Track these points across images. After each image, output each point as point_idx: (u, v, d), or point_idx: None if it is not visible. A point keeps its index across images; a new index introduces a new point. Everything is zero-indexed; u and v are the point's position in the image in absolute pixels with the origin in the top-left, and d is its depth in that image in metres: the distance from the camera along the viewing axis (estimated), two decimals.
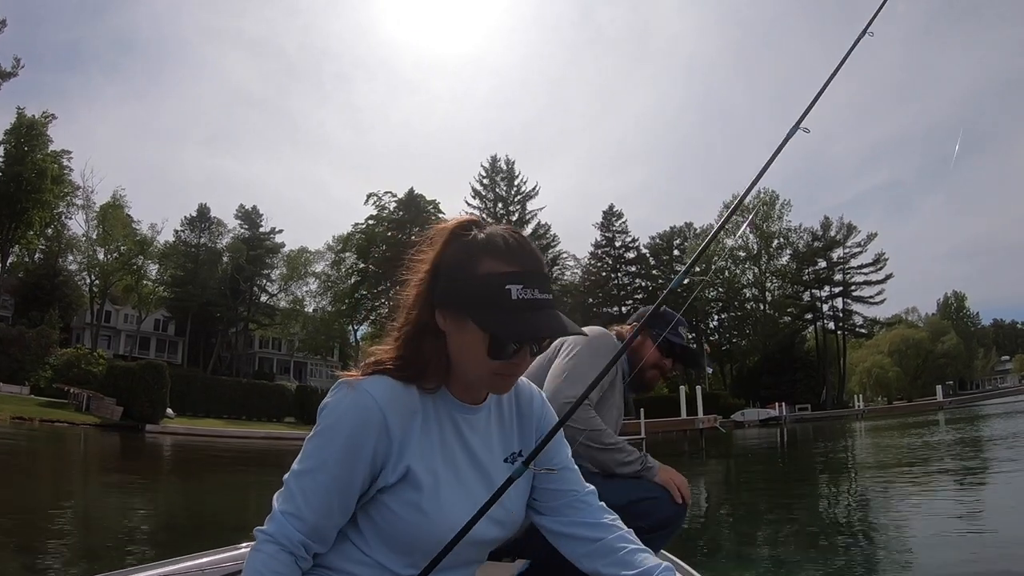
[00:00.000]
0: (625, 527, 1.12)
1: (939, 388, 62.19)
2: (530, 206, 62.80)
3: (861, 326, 67.74)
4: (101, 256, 53.29)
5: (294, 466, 0.97)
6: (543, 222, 63.04)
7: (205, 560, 1.63)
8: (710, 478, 13.94)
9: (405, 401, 0.97)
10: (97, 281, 53.46)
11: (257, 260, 59.95)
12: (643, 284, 65.30)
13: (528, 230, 57.33)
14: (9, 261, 51.43)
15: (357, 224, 60.55)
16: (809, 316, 66.71)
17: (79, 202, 52.08)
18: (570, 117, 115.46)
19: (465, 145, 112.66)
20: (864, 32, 1.35)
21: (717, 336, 66.87)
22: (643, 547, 1.08)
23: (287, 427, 39.37)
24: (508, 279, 0.92)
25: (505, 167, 63.38)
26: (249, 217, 61.79)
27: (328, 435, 0.95)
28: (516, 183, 62.97)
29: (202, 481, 13.63)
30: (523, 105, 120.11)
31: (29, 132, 48.71)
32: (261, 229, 61.68)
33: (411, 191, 59.40)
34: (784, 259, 67.71)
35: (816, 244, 65.65)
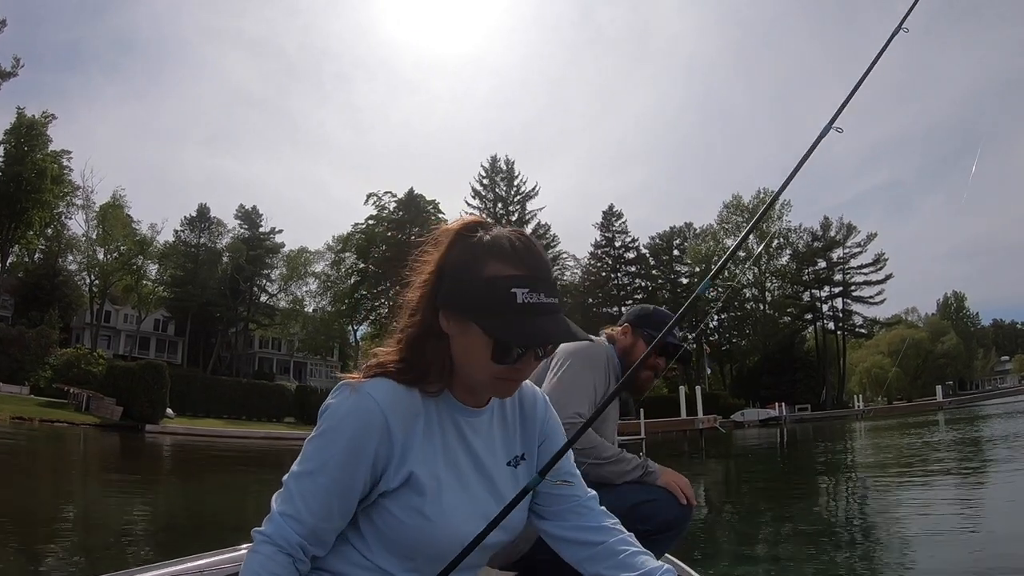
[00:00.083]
0: (626, 531, 1.12)
1: (939, 388, 62.31)
2: (530, 206, 62.89)
3: (861, 326, 67.76)
4: (101, 256, 53.34)
5: (294, 467, 0.95)
6: (543, 222, 63.09)
7: (204, 562, 1.62)
8: (710, 478, 13.93)
9: (407, 404, 0.96)
10: (97, 281, 53.41)
11: (257, 260, 59.91)
12: (643, 284, 65.36)
13: (528, 230, 56.63)
14: (9, 261, 51.46)
15: (357, 224, 60.66)
16: (809, 316, 66.70)
17: (79, 202, 52.19)
18: (570, 117, 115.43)
19: (465, 145, 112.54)
20: (898, 28, 1.32)
21: (717, 336, 66.88)
22: (644, 550, 1.08)
23: (287, 427, 39.32)
24: (514, 282, 0.90)
25: (505, 167, 63.40)
26: (249, 217, 61.75)
27: (329, 437, 0.94)
28: (516, 183, 63.01)
29: (202, 481, 13.61)
30: (523, 105, 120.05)
31: (29, 132, 48.70)
32: (261, 229, 61.63)
33: (411, 191, 59.44)
34: (784, 259, 67.80)
35: (816, 244, 65.66)
